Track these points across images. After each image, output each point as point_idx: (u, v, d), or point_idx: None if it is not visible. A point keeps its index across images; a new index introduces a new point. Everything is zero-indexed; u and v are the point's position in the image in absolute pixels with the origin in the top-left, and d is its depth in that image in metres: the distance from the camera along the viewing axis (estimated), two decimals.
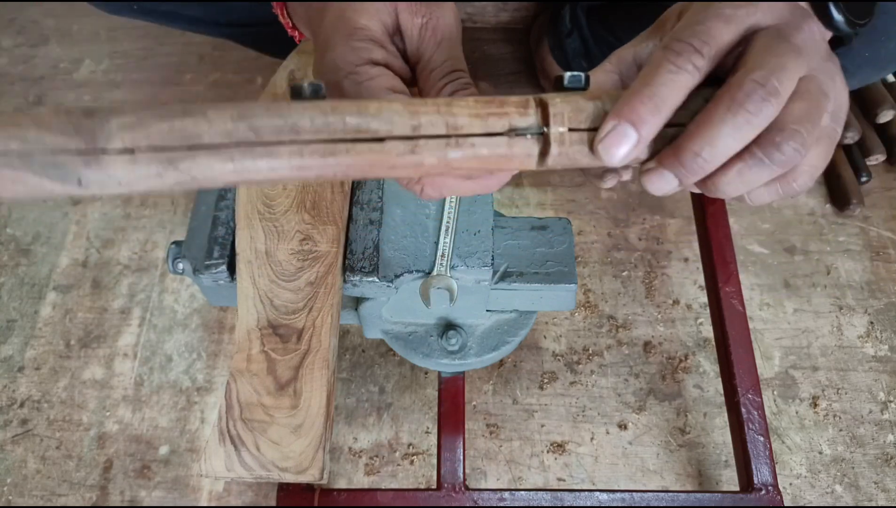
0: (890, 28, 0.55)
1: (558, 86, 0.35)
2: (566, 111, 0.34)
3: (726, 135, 0.32)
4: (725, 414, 0.76)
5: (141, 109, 0.28)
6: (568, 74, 0.35)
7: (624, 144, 0.33)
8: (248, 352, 0.53)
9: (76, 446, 0.82)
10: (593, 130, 0.34)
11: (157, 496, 0.79)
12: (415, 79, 0.45)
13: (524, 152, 0.33)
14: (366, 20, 0.42)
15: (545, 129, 0.33)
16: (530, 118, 0.33)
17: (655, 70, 0.33)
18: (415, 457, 0.81)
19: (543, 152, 0.34)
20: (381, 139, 0.30)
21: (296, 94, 0.31)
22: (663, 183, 0.34)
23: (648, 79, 0.33)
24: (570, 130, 0.34)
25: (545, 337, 0.89)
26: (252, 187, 0.59)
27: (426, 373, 0.86)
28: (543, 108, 0.33)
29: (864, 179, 0.99)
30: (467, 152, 0.32)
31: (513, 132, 0.32)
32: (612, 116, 0.33)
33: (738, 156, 0.33)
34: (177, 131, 0.28)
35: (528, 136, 0.33)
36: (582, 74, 0.35)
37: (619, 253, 0.96)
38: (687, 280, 0.93)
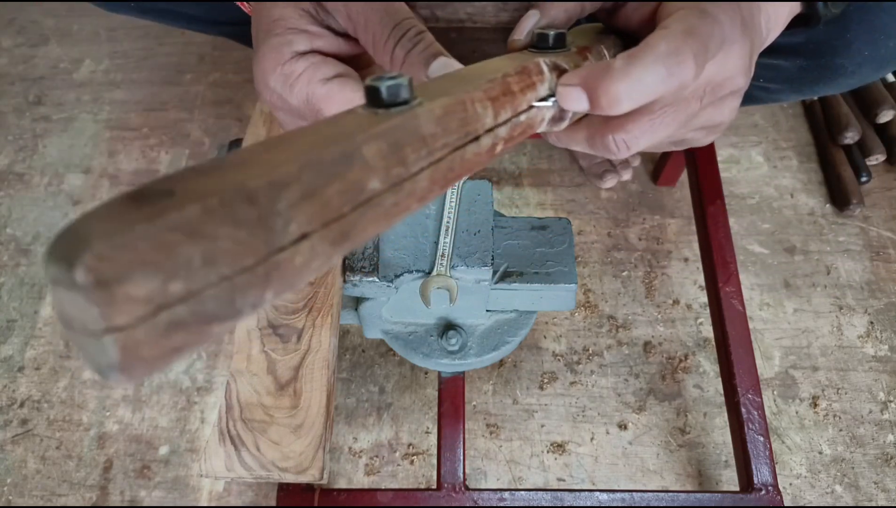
0: (889, 26, 0.55)
1: (541, 45, 0.35)
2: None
3: (653, 80, 0.31)
4: (725, 414, 0.76)
5: (289, 160, 0.19)
6: (554, 33, 0.34)
7: (575, 106, 0.32)
8: (248, 352, 0.53)
9: (76, 446, 0.82)
10: None
11: (157, 496, 0.79)
12: (359, 50, 0.41)
13: (539, 118, 0.32)
14: (279, 10, 0.38)
15: None
16: (549, 84, 0.32)
17: (651, 66, 0.31)
18: (415, 457, 0.81)
19: (558, 117, 0.33)
20: (477, 137, 0.27)
21: (393, 96, 0.24)
22: (577, 103, 0.32)
23: (631, 61, 0.31)
24: None
25: (545, 337, 0.89)
26: None
27: (426, 373, 0.86)
28: (560, 74, 0.33)
29: (864, 179, 0.99)
30: (516, 131, 0.30)
31: (542, 100, 0.32)
32: (577, 78, 0.32)
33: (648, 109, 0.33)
34: (346, 192, 0.20)
35: (552, 102, 0.32)
36: (566, 33, 0.35)
37: (619, 253, 0.96)
38: (687, 280, 0.93)
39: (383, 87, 0.23)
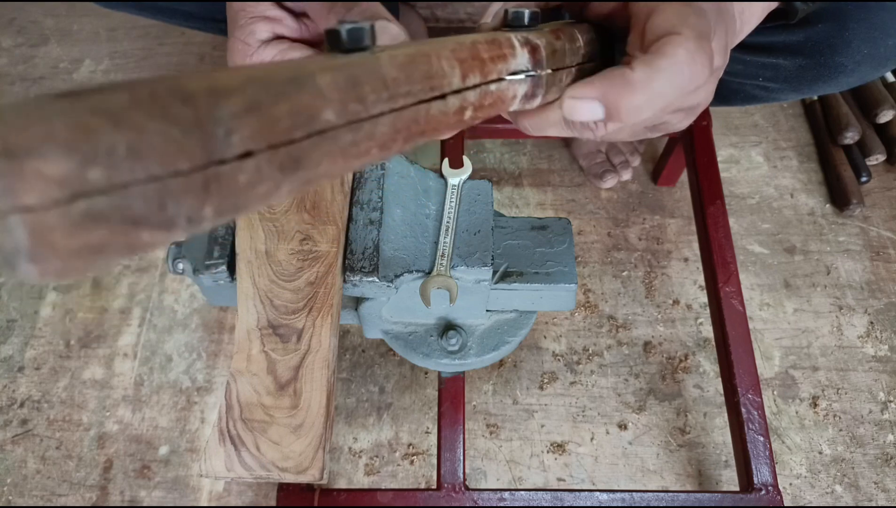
0: (888, 24, 0.55)
1: (515, 23, 0.34)
2: (547, 54, 0.33)
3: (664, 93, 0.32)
4: (725, 414, 0.76)
5: (236, 76, 0.18)
6: (528, 12, 0.34)
7: (588, 118, 0.32)
8: (248, 352, 0.53)
9: (76, 446, 0.82)
10: (560, 69, 0.34)
11: (157, 496, 0.79)
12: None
13: (512, 94, 0.32)
14: (239, 3, 0.39)
15: (537, 71, 0.32)
16: (522, 59, 0.32)
17: (674, 76, 0.31)
18: (415, 457, 0.81)
19: (530, 94, 0.33)
20: (443, 95, 0.26)
21: (355, 39, 0.23)
22: (592, 114, 0.32)
23: (653, 73, 0.31)
24: (554, 70, 0.33)
25: (545, 337, 0.89)
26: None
27: (426, 373, 0.86)
28: (532, 49, 0.32)
29: (864, 179, 0.99)
30: (487, 101, 0.30)
31: (514, 74, 0.31)
32: (595, 91, 0.31)
33: None
34: (296, 114, 0.19)
35: (524, 76, 0.32)
36: (539, 13, 0.35)
37: (619, 253, 0.96)
38: (687, 280, 0.93)
39: (343, 30, 0.23)
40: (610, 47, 0.41)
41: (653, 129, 0.40)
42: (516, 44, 0.32)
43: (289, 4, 0.39)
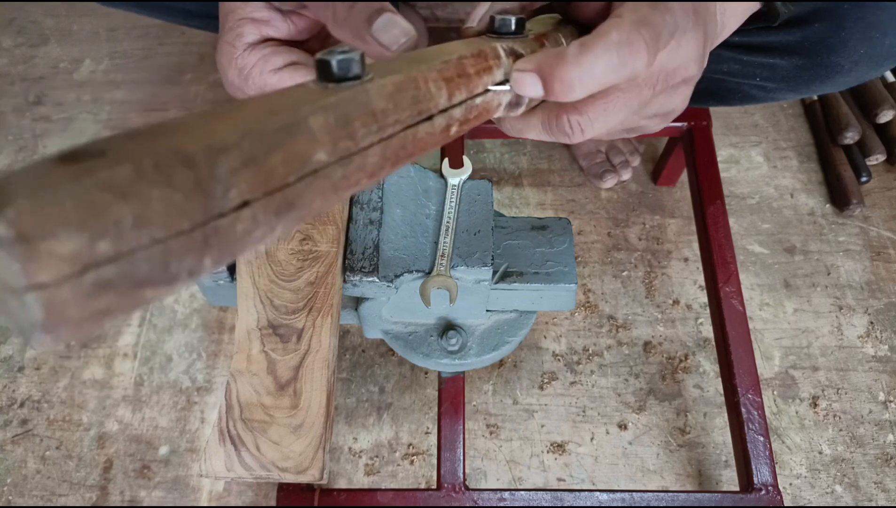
0: (885, 24, 0.55)
1: (501, 31, 0.34)
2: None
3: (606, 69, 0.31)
4: (725, 414, 0.76)
5: (231, 128, 0.19)
6: (514, 19, 0.34)
7: (530, 92, 0.32)
8: (248, 352, 0.53)
9: (76, 446, 0.82)
10: None
11: (157, 496, 0.79)
12: (311, 30, 0.40)
13: (496, 103, 0.32)
14: (228, 4, 0.37)
15: None
16: (506, 69, 0.32)
17: (603, 54, 0.30)
18: (415, 457, 0.81)
19: (514, 102, 0.33)
20: (430, 117, 0.27)
21: (344, 70, 0.24)
22: (532, 89, 0.32)
23: (583, 49, 0.31)
24: None
25: (545, 337, 0.89)
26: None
27: (426, 373, 0.86)
28: (517, 59, 0.33)
29: (864, 179, 0.99)
30: (472, 114, 0.30)
31: (498, 84, 0.31)
32: (532, 64, 0.31)
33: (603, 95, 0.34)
34: (290, 162, 0.20)
35: (508, 87, 0.32)
36: (524, 19, 0.35)
37: (619, 253, 0.96)
38: (687, 280, 0.93)
39: (334, 60, 0.23)
40: None
41: (629, 130, 0.40)
42: (502, 54, 0.32)
43: (278, 4, 0.39)
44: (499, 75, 0.31)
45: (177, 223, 0.16)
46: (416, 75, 0.26)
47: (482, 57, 0.31)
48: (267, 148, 0.19)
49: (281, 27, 0.39)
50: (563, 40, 0.37)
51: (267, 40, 0.38)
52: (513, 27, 0.34)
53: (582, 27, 0.41)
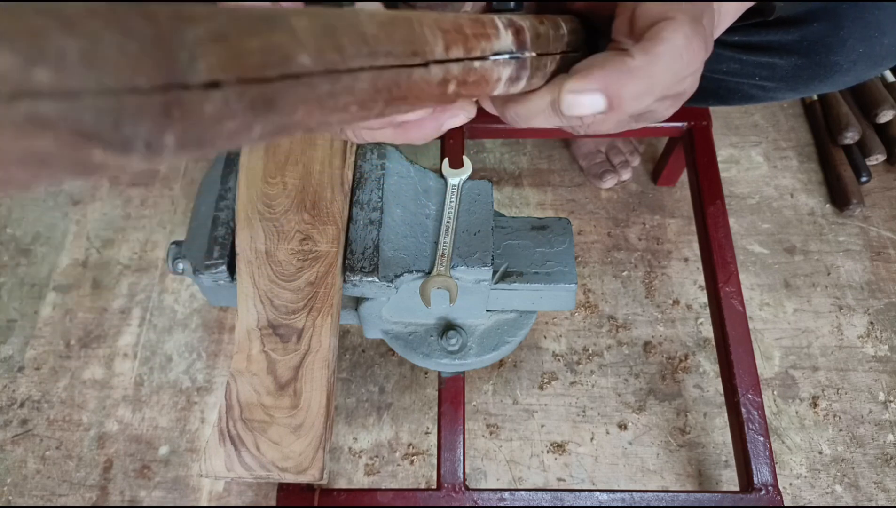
0: (883, 24, 0.55)
1: (499, 7, 0.34)
2: (532, 37, 0.32)
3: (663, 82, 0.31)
4: (725, 414, 0.76)
5: (205, 7, 0.17)
6: None
7: (589, 112, 0.31)
8: (248, 352, 0.53)
9: (76, 446, 0.82)
10: (543, 55, 0.33)
11: (157, 496, 0.79)
12: None
13: (496, 77, 0.31)
14: None
15: (523, 52, 0.31)
16: (505, 40, 0.31)
17: (673, 60, 0.30)
18: (415, 457, 0.81)
19: (514, 77, 0.32)
20: (426, 64, 0.26)
21: None
22: (593, 107, 0.32)
23: (653, 59, 0.30)
24: (539, 54, 0.32)
25: (545, 337, 0.89)
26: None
27: (426, 373, 0.86)
28: (516, 30, 0.31)
29: (864, 179, 0.99)
30: (470, 78, 0.29)
31: (498, 55, 0.30)
32: (595, 82, 0.31)
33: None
34: (269, 52, 0.19)
35: (508, 57, 0.31)
36: None
37: (619, 253, 0.96)
38: (687, 280, 0.93)
39: None
40: (593, 38, 0.40)
41: (638, 118, 0.39)
42: (500, 25, 0.31)
43: None
44: (497, 46, 0.30)
45: (131, 77, 0.15)
46: (409, 15, 0.26)
47: (479, 23, 0.30)
48: (241, 29, 0.18)
49: None
50: (563, 24, 0.36)
51: None
52: (511, 4, 0.34)
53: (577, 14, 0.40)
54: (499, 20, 0.31)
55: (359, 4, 0.31)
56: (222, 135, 0.18)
